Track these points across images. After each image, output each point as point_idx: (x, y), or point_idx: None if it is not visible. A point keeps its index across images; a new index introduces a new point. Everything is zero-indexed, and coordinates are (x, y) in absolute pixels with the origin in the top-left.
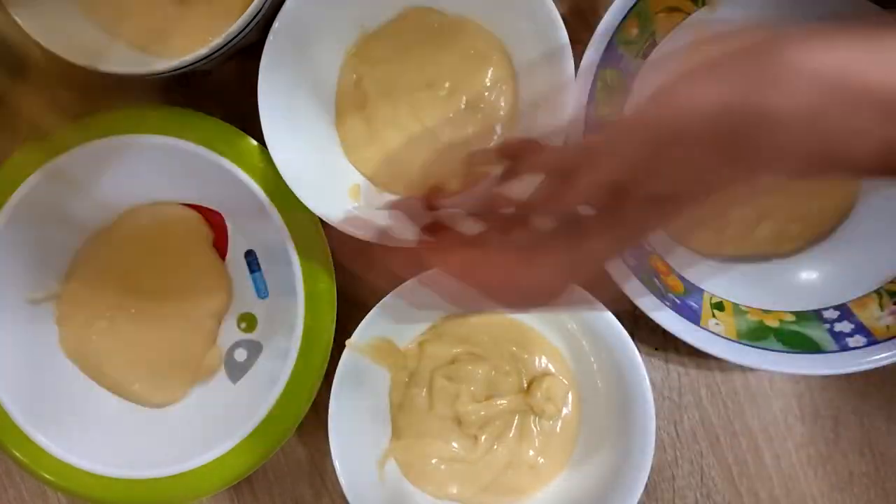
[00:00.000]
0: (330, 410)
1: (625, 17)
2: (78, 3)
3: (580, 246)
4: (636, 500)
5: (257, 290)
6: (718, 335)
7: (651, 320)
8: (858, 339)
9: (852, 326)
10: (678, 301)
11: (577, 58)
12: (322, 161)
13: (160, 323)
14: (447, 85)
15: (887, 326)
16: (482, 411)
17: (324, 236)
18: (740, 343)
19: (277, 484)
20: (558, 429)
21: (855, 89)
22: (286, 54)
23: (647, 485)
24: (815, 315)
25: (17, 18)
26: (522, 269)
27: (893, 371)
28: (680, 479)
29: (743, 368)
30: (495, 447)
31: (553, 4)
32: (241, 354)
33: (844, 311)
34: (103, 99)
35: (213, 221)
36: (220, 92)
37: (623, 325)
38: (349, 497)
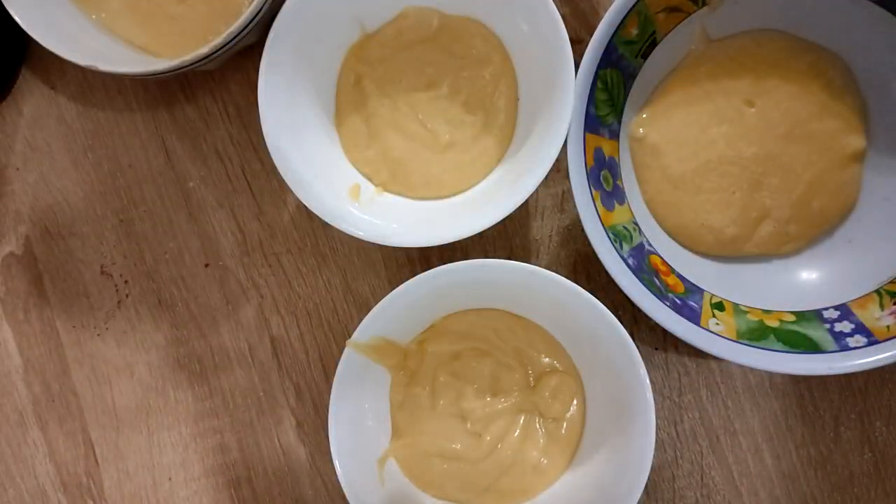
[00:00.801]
0: (330, 410)
1: (625, 17)
2: (78, 2)
3: None
4: (636, 500)
5: None
6: (718, 335)
7: (651, 320)
8: (859, 339)
9: (853, 326)
10: (678, 301)
11: (577, 58)
12: (322, 161)
13: None
14: (447, 85)
15: (888, 326)
16: (487, 408)
17: None
18: (740, 343)
19: (277, 484)
20: (563, 430)
21: None
22: (286, 54)
23: (647, 485)
24: (816, 315)
25: (16, 18)
26: None
27: (893, 371)
28: (680, 479)
29: (743, 368)
30: (499, 447)
31: (553, 4)
32: None
33: (845, 311)
34: (103, 99)
35: None
36: (220, 92)
37: (623, 325)
38: (349, 497)
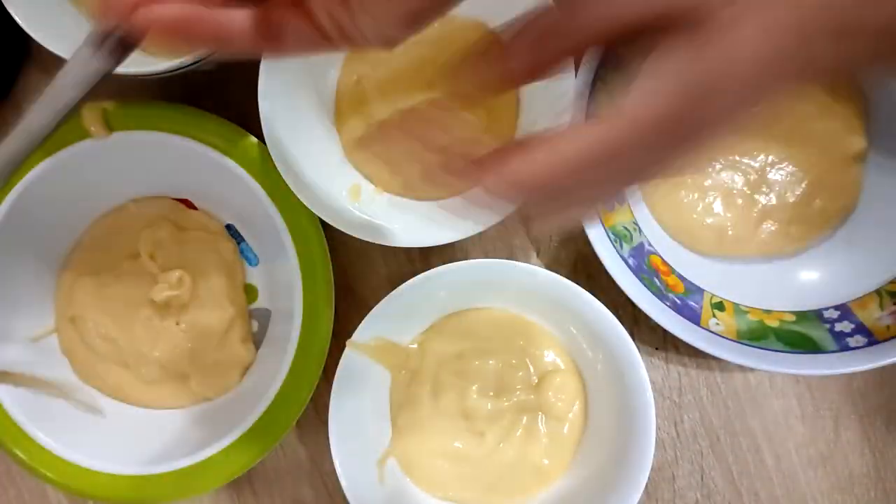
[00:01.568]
0: (330, 410)
1: None
2: (78, 2)
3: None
4: (636, 500)
5: (248, 260)
6: (719, 335)
7: (651, 320)
8: (859, 339)
9: (853, 326)
10: (678, 301)
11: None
12: (322, 161)
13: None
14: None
15: (888, 326)
16: (490, 407)
17: (323, 235)
18: (740, 343)
19: (277, 484)
20: (565, 430)
21: None
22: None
23: (647, 485)
24: (816, 315)
25: (16, 17)
26: None
27: (893, 371)
28: (680, 479)
29: (743, 368)
30: (501, 446)
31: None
32: None
33: (845, 311)
34: (103, 98)
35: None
36: (220, 91)
37: (623, 325)
38: (349, 497)
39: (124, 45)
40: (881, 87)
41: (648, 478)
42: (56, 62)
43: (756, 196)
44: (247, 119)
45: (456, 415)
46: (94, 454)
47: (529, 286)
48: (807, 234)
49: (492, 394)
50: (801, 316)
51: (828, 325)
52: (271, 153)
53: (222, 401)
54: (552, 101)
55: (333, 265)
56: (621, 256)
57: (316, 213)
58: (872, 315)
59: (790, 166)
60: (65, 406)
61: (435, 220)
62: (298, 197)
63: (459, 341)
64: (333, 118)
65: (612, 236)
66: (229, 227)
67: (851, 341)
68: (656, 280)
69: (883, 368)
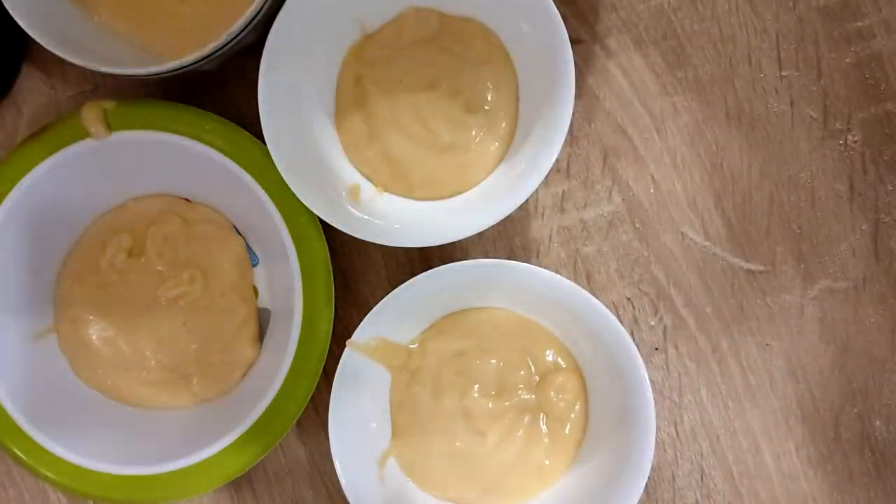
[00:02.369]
0: (330, 410)
1: None
2: (78, 2)
3: None
4: (636, 500)
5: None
6: None
7: (652, 320)
8: None
9: None
10: None
11: (577, 58)
12: (322, 161)
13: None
14: (447, 85)
15: None
16: (491, 406)
17: (322, 235)
18: None
19: (277, 484)
20: (566, 430)
21: None
22: (286, 54)
23: (647, 485)
24: None
25: (16, 18)
26: None
27: (893, 371)
28: (680, 479)
29: (743, 368)
30: (502, 446)
31: (553, 4)
32: None
33: None
34: (103, 98)
35: None
36: (220, 91)
37: (623, 325)
38: (349, 497)
39: None
40: None
41: (648, 478)
42: (56, 62)
43: None
44: (247, 119)
45: (457, 414)
46: (94, 454)
47: (529, 286)
48: None
49: (493, 393)
50: None
51: None
52: (271, 153)
53: (222, 401)
54: (552, 101)
55: (333, 265)
56: None
57: (316, 213)
58: None
59: None
60: (65, 406)
61: (435, 220)
62: (298, 197)
63: (460, 341)
64: (333, 118)
65: None
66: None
67: None
68: None
69: (883, 367)
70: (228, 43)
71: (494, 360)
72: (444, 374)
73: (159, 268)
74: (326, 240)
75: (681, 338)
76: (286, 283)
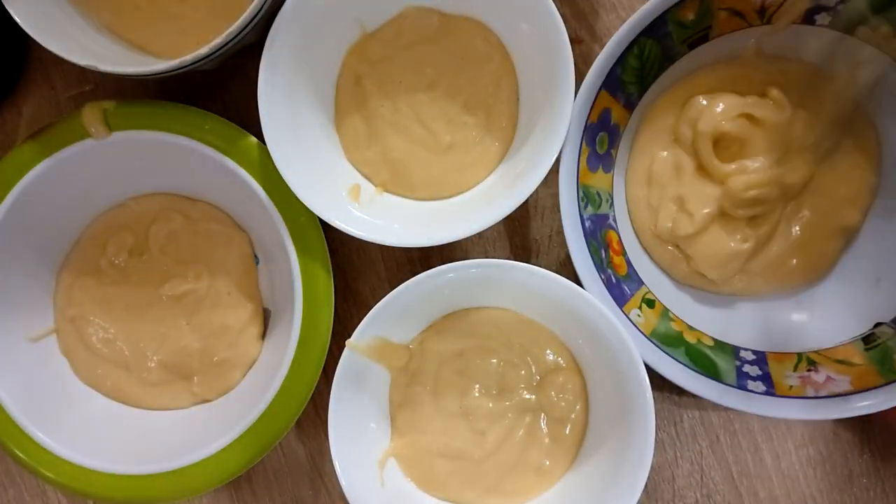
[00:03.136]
0: (330, 410)
1: None
2: (78, 2)
3: None
4: (636, 500)
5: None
6: (633, 323)
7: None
8: (758, 386)
9: (759, 373)
10: (614, 279)
11: (577, 58)
12: (322, 161)
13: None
14: (447, 85)
15: (790, 386)
16: (490, 403)
17: (322, 235)
18: (650, 340)
19: (277, 484)
20: (567, 430)
21: None
22: (286, 54)
23: (647, 485)
24: (733, 350)
25: (16, 17)
26: None
27: None
28: (680, 479)
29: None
30: (503, 447)
31: (553, 4)
32: None
33: (760, 358)
34: (103, 98)
35: None
36: (220, 91)
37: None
38: (349, 497)
39: None
40: None
41: (648, 478)
42: (56, 62)
43: (737, 234)
44: (247, 119)
45: (457, 414)
46: (94, 454)
47: (529, 286)
48: (766, 289)
49: (495, 392)
50: (720, 344)
51: (738, 362)
52: (271, 153)
53: (222, 401)
54: (552, 101)
55: (333, 265)
56: (580, 212)
57: (316, 213)
58: (783, 371)
59: (788, 218)
60: (65, 406)
61: (435, 220)
62: (298, 197)
63: (460, 341)
64: (333, 118)
65: (581, 192)
66: None
67: (750, 384)
68: (603, 252)
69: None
70: (228, 43)
71: (495, 360)
72: (445, 374)
73: (163, 265)
74: (326, 240)
75: None
76: (286, 282)
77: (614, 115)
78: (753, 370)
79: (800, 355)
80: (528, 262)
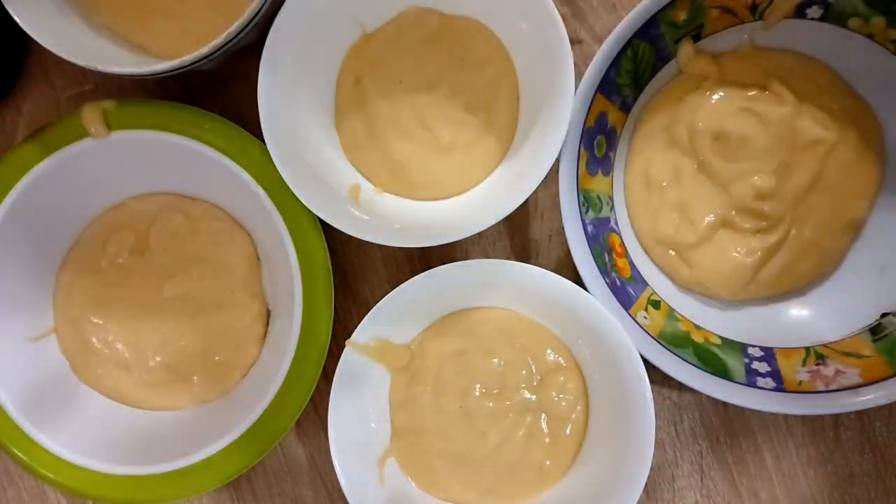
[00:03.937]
0: (330, 410)
1: None
2: (78, 2)
3: None
4: (636, 501)
5: None
6: (640, 326)
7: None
8: (768, 382)
9: (769, 369)
10: (618, 282)
11: (577, 58)
12: (322, 161)
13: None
14: (447, 85)
15: (800, 381)
16: (491, 403)
17: (322, 235)
18: (657, 342)
19: (277, 484)
20: (567, 431)
21: None
22: (286, 54)
23: (647, 485)
24: (741, 346)
25: (16, 17)
26: None
27: None
28: (680, 479)
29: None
30: (503, 447)
31: (553, 4)
32: None
33: (768, 354)
34: (103, 98)
35: None
36: (220, 91)
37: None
38: (349, 497)
39: None
40: None
41: (648, 478)
42: (56, 62)
43: (740, 247)
44: (247, 119)
45: (457, 414)
46: (94, 454)
47: (529, 286)
48: (771, 290)
49: (496, 391)
50: (728, 343)
51: (747, 360)
52: (271, 153)
53: (222, 401)
54: (552, 101)
55: (333, 265)
56: (582, 218)
57: (316, 213)
58: (792, 366)
59: (800, 217)
60: (65, 406)
61: (435, 220)
62: (298, 197)
63: (460, 341)
64: (333, 118)
65: (581, 197)
66: None
67: (760, 381)
68: (606, 255)
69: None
70: (228, 43)
71: (495, 360)
72: (445, 374)
73: (165, 264)
74: (326, 240)
75: None
76: (286, 283)
77: (610, 118)
78: (762, 367)
79: (808, 350)
80: (528, 262)
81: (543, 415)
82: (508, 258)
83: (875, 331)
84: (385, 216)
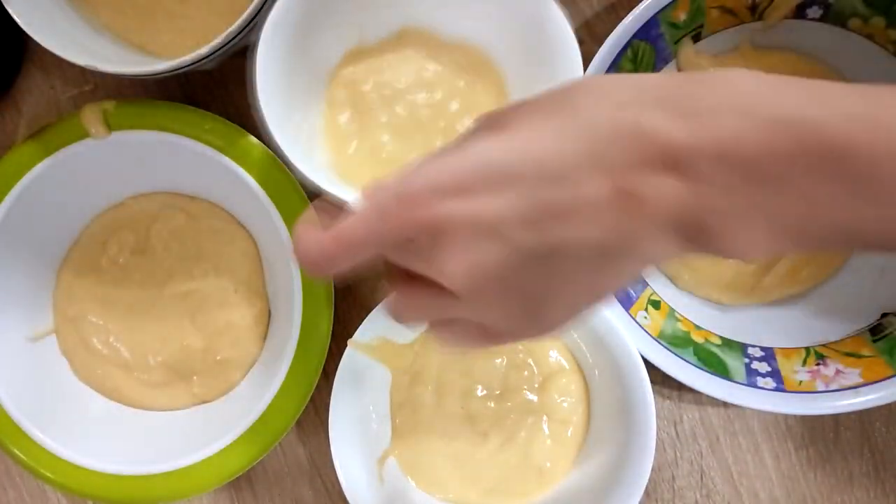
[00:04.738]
0: (330, 410)
1: None
2: (78, 2)
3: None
4: (636, 501)
5: None
6: (641, 326)
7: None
8: (768, 382)
9: (769, 369)
10: None
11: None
12: (321, 161)
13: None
14: (444, 90)
15: (800, 382)
16: (492, 404)
17: None
18: (657, 342)
19: (277, 484)
20: (569, 432)
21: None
22: (285, 54)
23: (647, 485)
24: (741, 347)
25: (16, 17)
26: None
27: None
28: (680, 479)
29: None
30: (504, 448)
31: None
32: None
33: (769, 354)
34: (103, 98)
35: None
36: (220, 92)
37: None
38: (349, 497)
39: None
40: None
41: (648, 478)
42: (56, 62)
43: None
44: (247, 119)
45: (458, 415)
46: (94, 454)
47: None
48: (776, 292)
49: (498, 393)
50: (728, 343)
51: (747, 360)
52: (271, 153)
53: (222, 401)
54: None
55: None
56: None
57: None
58: (792, 367)
59: None
60: (65, 406)
61: None
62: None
63: None
64: (331, 118)
65: None
66: None
67: (761, 381)
68: None
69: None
70: (228, 43)
71: (498, 361)
72: (447, 375)
73: (166, 263)
74: None
75: None
76: (286, 283)
77: None
78: (762, 367)
79: (808, 350)
80: None
81: (545, 416)
82: None
83: (875, 331)
84: None
